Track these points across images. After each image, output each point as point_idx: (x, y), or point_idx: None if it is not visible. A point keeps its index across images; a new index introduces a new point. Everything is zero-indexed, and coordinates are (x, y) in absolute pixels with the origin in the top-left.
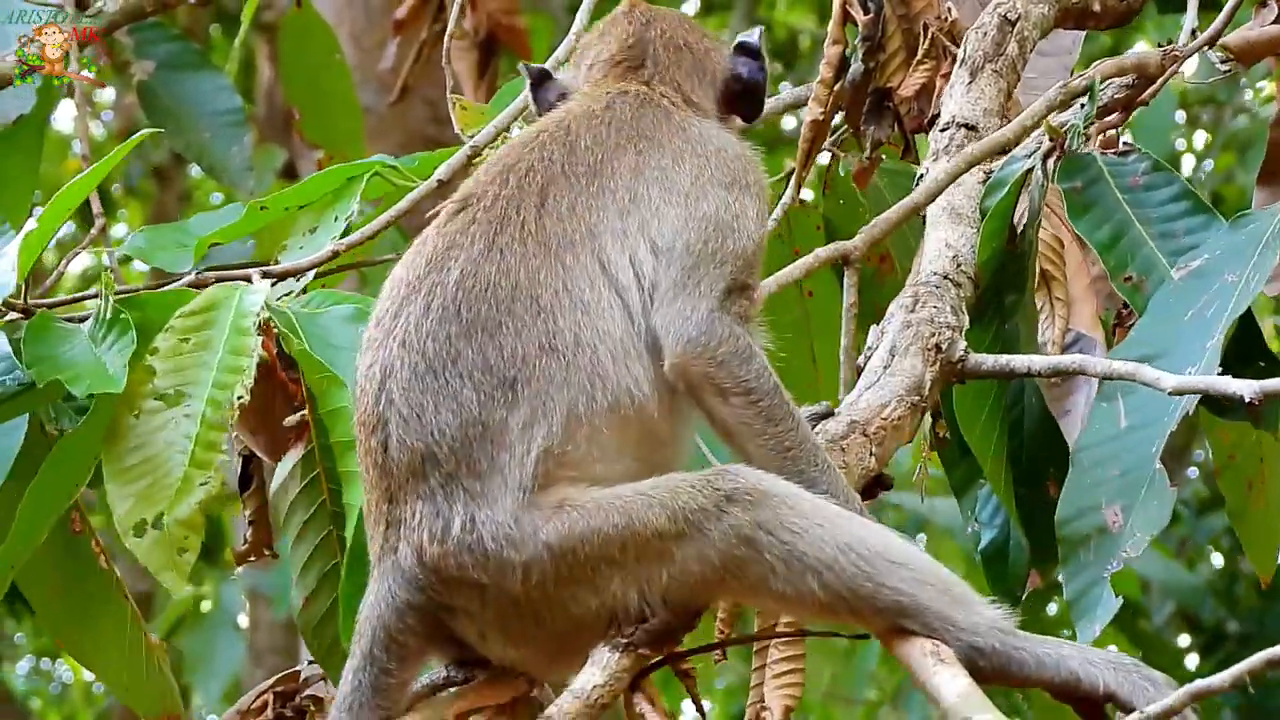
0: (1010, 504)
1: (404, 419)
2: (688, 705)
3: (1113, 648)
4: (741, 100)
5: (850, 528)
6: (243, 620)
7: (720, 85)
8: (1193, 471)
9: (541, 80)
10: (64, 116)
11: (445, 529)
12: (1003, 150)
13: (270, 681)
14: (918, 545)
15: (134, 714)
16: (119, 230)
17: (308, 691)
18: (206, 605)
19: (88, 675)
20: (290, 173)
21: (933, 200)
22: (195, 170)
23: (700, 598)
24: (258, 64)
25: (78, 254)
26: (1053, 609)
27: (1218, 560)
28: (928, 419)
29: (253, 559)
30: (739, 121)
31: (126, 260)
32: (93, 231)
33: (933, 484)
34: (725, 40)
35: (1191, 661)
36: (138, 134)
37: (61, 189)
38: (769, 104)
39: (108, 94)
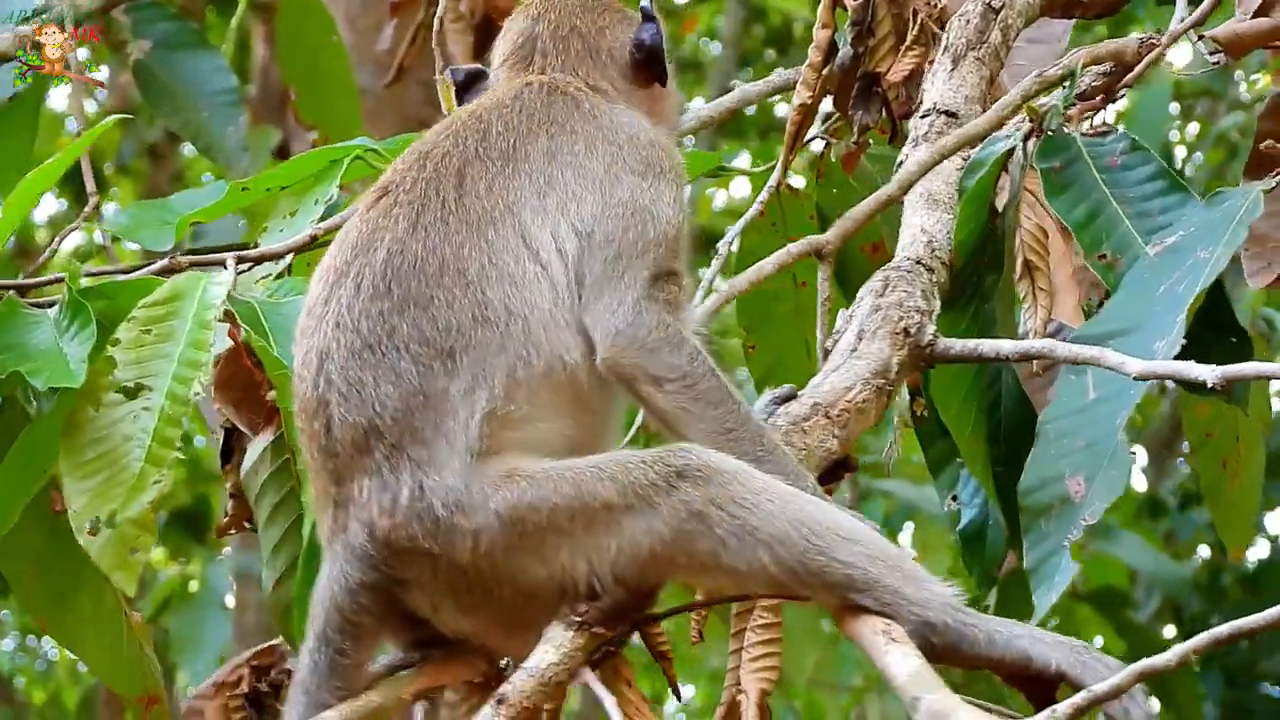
0: (988, 483)
1: (344, 396)
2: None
3: (1100, 639)
4: (649, 67)
5: (801, 504)
6: (230, 601)
7: (624, 59)
8: (1180, 462)
9: (473, 81)
10: (59, 95)
11: (394, 500)
12: (978, 139)
13: (247, 655)
14: (869, 524)
15: (119, 696)
16: (111, 209)
17: (284, 666)
18: (194, 586)
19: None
20: (284, 153)
21: (906, 191)
22: (188, 149)
23: (651, 574)
24: (253, 45)
25: (70, 231)
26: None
27: (1204, 553)
28: (905, 397)
29: (233, 531)
30: (660, 90)
31: (117, 240)
32: (85, 209)
33: (919, 472)
34: (630, 11)
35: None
36: (109, 118)
37: (29, 174)
38: (759, 87)
39: (103, 73)
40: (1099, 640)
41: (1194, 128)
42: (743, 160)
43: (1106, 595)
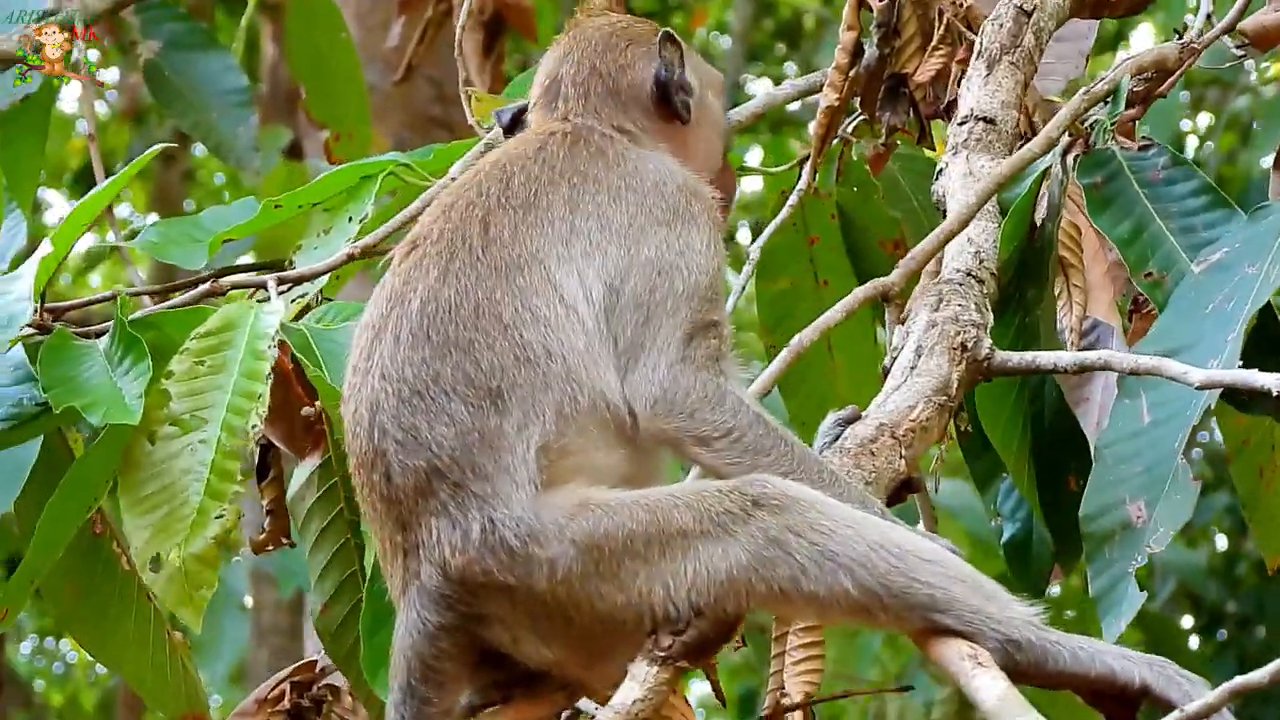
0: (1033, 498)
1: (400, 444)
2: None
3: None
4: (671, 102)
5: (879, 528)
6: (247, 601)
7: (646, 96)
8: (1197, 453)
9: (517, 121)
10: (69, 96)
11: (465, 537)
12: (1031, 163)
13: (287, 671)
14: (945, 543)
15: (138, 698)
16: (123, 210)
17: (325, 681)
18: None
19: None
20: (296, 152)
21: (967, 225)
22: (199, 149)
23: (729, 602)
24: (262, 44)
25: (81, 235)
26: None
27: (1220, 541)
28: None
29: (270, 548)
30: (686, 126)
31: (132, 234)
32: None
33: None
34: (652, 44)
35: (1194, 642)
36: (153, 148)
37: (75, 208)
38: (785, 90)
39: (112, 73)
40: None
41: (1204, 118)
42: (754, 155)
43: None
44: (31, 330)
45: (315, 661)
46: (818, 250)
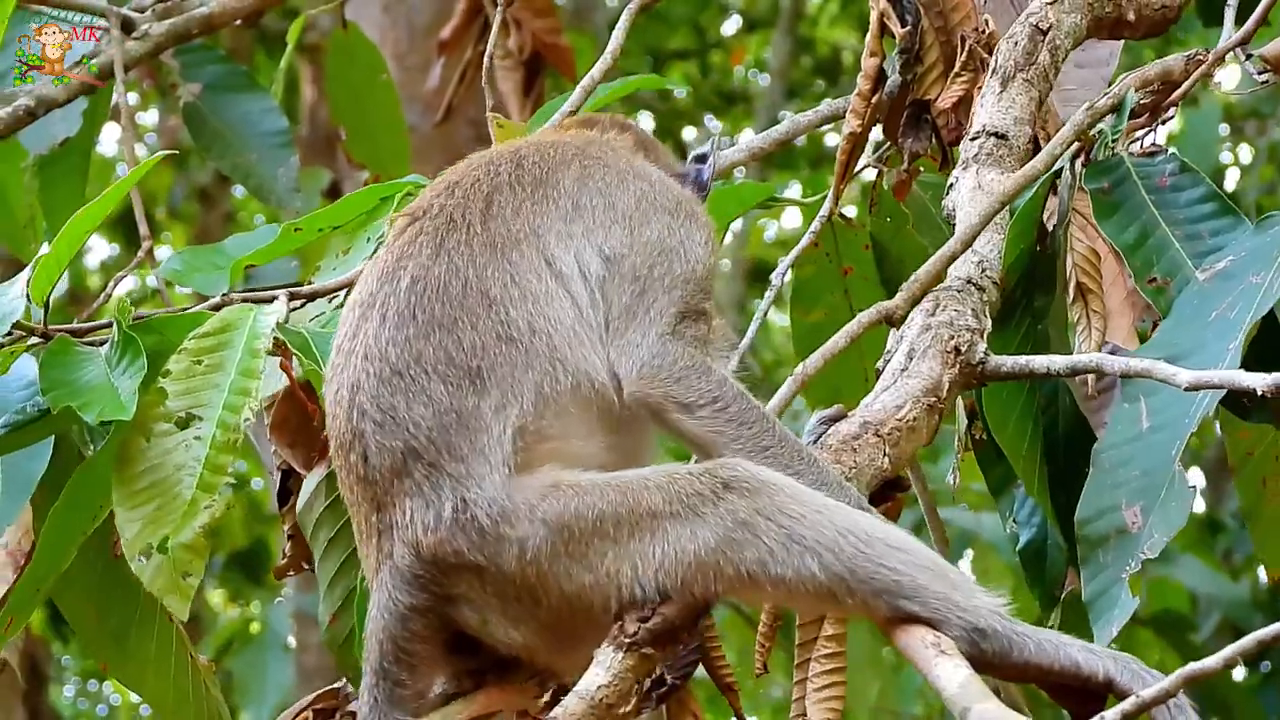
0: (1046, 504)
1: (378, 424)
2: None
3: (1158, 661)
4: (692, 180)
5: (849, 514)
6: (291, 642)
7: (671, 163)
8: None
9: None
10: (109, 139)
11: (438, 517)
12: (1035, 180)
13: (310, 698)
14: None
15: None
16: (164, 253)
17: (348, 708)
18: (255, 627)
19: (135, 697)
20: (335, 193)
21: (969, 246)
22: (240, 191)
23: (698, 584)
24: (302, 86)
25: (123, 277)
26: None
27: (1262, 574)
28: (963, 421)
29: (291, 573)
30: None
31: (171, 283)
32: (139, 254)
33: (978, 499)
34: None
35: (1239, 674)
36: (157, 154)
37: (76, 214)
38: (808, 117)
39: (152, 116)
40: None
41: (1245, 149)
42: (793, 191)
43: (1167, 618)
44: (38, 340)
45: (338, 689)
46: (851, 281)
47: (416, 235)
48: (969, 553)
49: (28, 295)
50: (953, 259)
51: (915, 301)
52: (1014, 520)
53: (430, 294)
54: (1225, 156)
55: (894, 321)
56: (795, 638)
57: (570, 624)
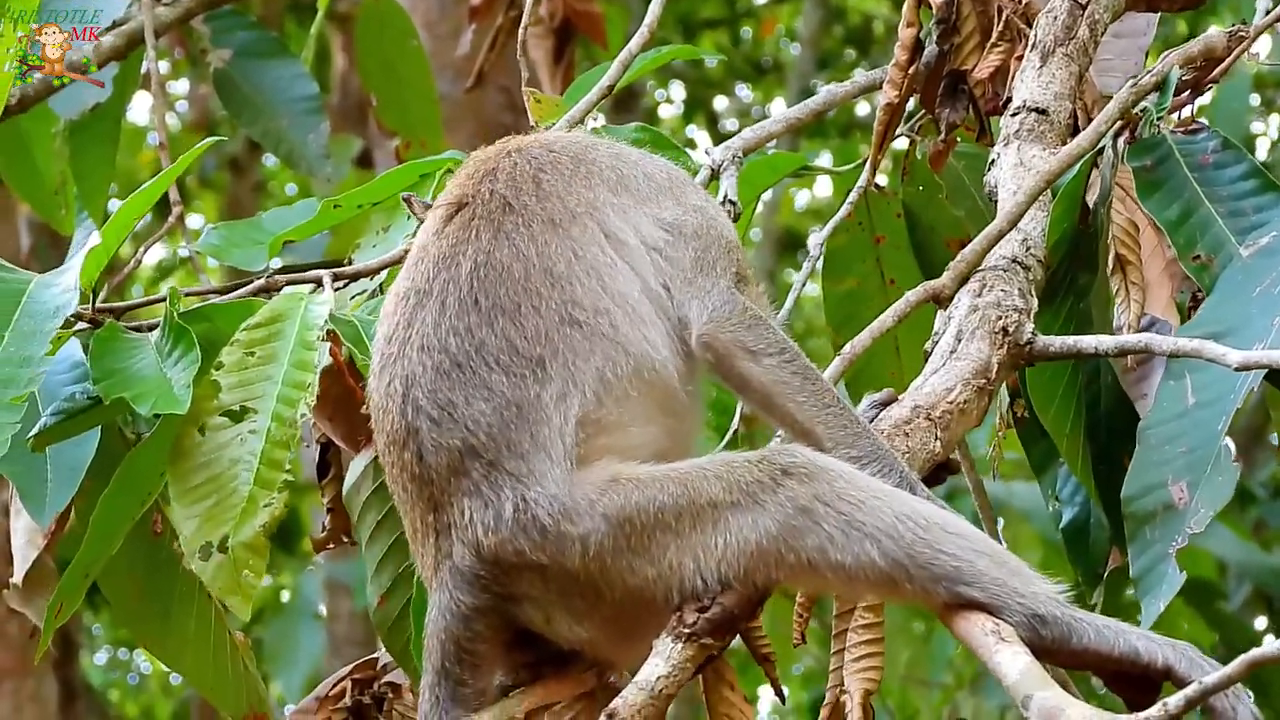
0: (1088, 482)
1: (435, 421)
2: (763, 690)
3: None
4: None
5: (906, 500)
6: (322, 610)
7: None
8: (1269, 455)
9: None
10: (140, 107)
11: (498, 517)
12: (1079, 158)
13: (348, 669)
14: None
15: (213, 707)
16: (194, 221)
17: (386, 679)
18: (286, 597)
19: (165, 666)
20: (366, 161)
21: (1015, 224)
22: (270, 160)
23: (759, 573)
24: (332, 54)
25: (151, 245)
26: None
27: None
28: (1005, 398)
29: (331, 546)
30: None
31: (202, 256)
32: (168, 222)
33: (1009, 467)
34: None
35: (1269, 644)
36: (204, 141)
37: (124, 202)
38: (845, 88)
39: (182, 84)
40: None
41: (1276, 120)
42: (824, 160)
43: (1197, 588)
44: (85, 325)
45: (377, 659)
46: (884, 250)
47: (469, 221)
48: (1000, 521)
49: (77, 286)
50: (999, 237)
51: (962, 280)
52: (1056, 498)
53: (494, 278)
54: (1256, 126)
55: (941, 300)
56: (833, 609)
57: (632, 617)
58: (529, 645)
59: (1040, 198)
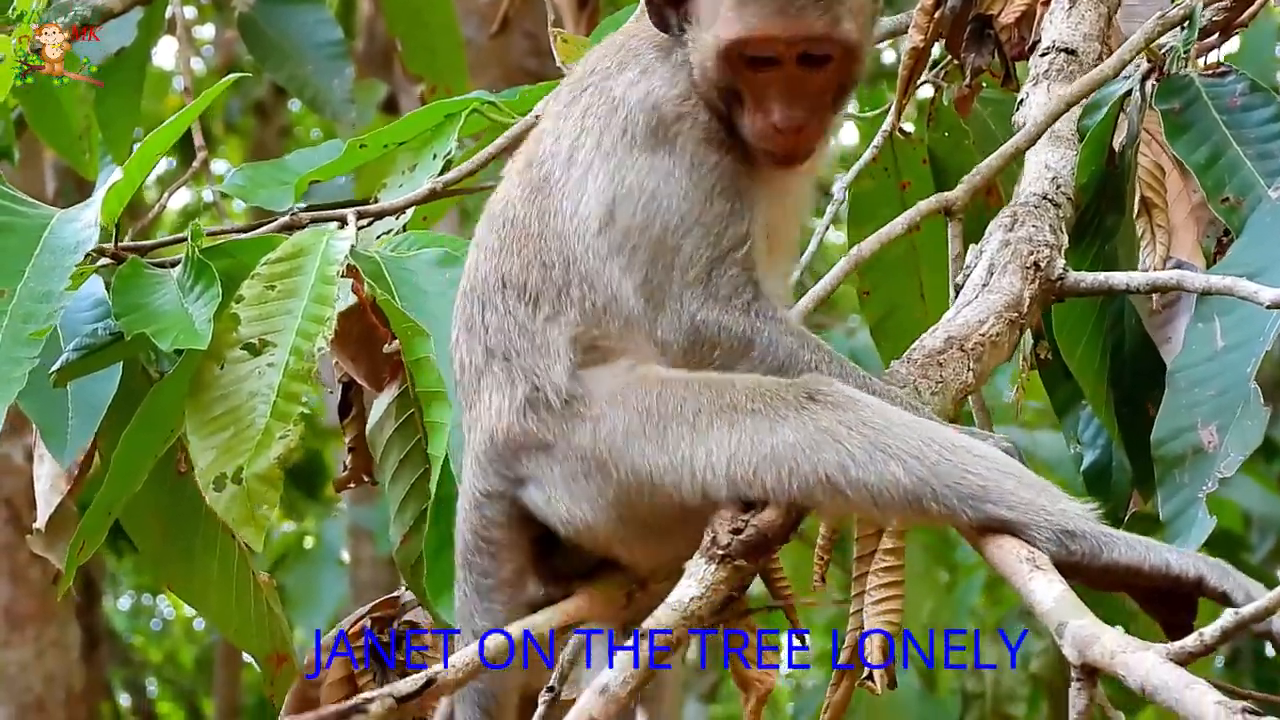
0: (1111, 425)
1: (467, 330)
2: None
3: None
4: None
5: (933, 425)
6: (345, 556)
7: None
8: None
9: None
10: (165, 52)
11: (511, 402)
12: (1101, 84)
13: (368, 607)
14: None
15: (238, 651)
16: (219, 166)
17: (405, 617)
18: (309, 542)
19: (189, 611)
20: (392, 106)
21: (1034, 143)
22: (295, 105)
23: (769, 479)
24: (358, 1)
25: (177, 189)
26: None
27: None
28: (1029, 341)
29: (352, 485)
30: None
31: (226, 196)
32: (194, 165)
33: (1034, 416)
34: None
35: None
36: (227, 78)
37: (146, 138)
38: None
39: (208, 29)
40: None
41: None
42: (849, 106)
43: (1221, 538)
44: (107, 262)
45: (397, 597)
46: (910, 196)
47: (511, 172)
48: None
49: (98, 222)
50: (1017, 154)
51: (976, 193)
52: (1078, 441)
53: (510, 224)
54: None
55: (953, 212)
56: (853, 552)
57: (640, 509)
58: (560, 557)
59: (1070, 139)
